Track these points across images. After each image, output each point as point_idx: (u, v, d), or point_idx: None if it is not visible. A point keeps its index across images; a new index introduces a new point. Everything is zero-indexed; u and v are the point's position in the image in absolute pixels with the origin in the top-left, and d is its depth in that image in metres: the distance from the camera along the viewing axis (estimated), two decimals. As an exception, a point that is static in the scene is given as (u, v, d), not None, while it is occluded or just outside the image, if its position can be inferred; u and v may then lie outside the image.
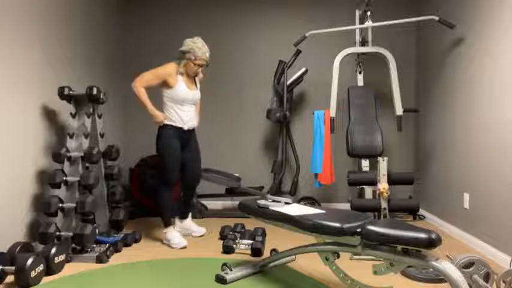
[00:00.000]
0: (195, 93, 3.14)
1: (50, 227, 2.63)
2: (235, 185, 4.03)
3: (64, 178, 2.84)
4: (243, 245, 2.96)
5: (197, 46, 2.99)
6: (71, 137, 2.99)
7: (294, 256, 2.60)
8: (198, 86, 3.24)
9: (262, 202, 2.33)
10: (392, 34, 4.39)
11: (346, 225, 1.88)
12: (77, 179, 2.85)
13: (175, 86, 3.01)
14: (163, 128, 3.07)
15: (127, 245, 3.05)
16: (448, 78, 3.62)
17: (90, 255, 2.70)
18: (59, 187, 2.82)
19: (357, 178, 3.04)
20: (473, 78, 3.14)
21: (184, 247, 3.03)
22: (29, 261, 2.20)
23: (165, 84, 3.02)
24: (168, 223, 3.13)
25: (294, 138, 4.36)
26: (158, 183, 3.13)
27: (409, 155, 4.50)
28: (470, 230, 3.18)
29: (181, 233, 3.24)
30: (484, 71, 2.98)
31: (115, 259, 2.77)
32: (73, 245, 2.74)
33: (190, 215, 3.42)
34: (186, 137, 3.15)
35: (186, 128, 3.10)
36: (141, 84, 2.95)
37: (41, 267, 2.30)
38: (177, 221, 3.37)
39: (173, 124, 3.06)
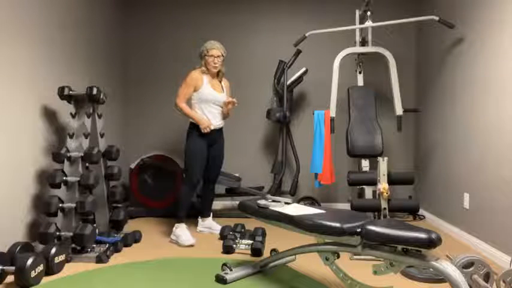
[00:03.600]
0: (220, 96, 3.30)
1: (50, 227, 2.63)
2: (235, 185, 4.03)
3: (64, 178, 2.84)
4: (243, 245, 2.97)
5: (207, 42, 3.30)
6: (71, 137, 2.99)
7: (294, 256, 2.60)
8: (225, 90, 3.38)
9: (262, 202, 2.33)
10: (392, 34, 4.39)
11: (346, 225, 1.88)
12: (77, 179, 2.85)
13: (201, 87, 3.21)
14: (191, 128, 3.25)
15: (127, 245, 3.05)
16: (448, 78, 3.62)
17: (90, 255, 2.70)
18: (59, 187, 2.82)
19: (357, 178, 3.04)
20: (473, 78, 3.14)
21: (192, 245, 3.07)
22: (29, 261, 2.20)
23: (195, 89, 3.23)
24: (180, 219, 3.22)
25: (294, 138, 4.36)
26: (183, 181, 3.28)
27: (409, 155, 4.50)
28: (470, 230, 3.18)
29: (203, 231, 3.50)
30: (484, 70, 2.98)
31: (115, 259, 2.77)
32: (73, 245, 2.74)
33: (211, 213, 3.59)
34: (213, 136, 3.29)
35: (212, 127, 3.23)
36: (180, 102, 3.20)
37: (41, 267, 2.30)
38: (199, 219, 3.55)
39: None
